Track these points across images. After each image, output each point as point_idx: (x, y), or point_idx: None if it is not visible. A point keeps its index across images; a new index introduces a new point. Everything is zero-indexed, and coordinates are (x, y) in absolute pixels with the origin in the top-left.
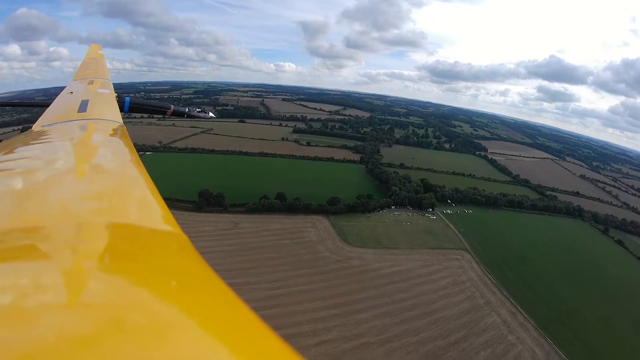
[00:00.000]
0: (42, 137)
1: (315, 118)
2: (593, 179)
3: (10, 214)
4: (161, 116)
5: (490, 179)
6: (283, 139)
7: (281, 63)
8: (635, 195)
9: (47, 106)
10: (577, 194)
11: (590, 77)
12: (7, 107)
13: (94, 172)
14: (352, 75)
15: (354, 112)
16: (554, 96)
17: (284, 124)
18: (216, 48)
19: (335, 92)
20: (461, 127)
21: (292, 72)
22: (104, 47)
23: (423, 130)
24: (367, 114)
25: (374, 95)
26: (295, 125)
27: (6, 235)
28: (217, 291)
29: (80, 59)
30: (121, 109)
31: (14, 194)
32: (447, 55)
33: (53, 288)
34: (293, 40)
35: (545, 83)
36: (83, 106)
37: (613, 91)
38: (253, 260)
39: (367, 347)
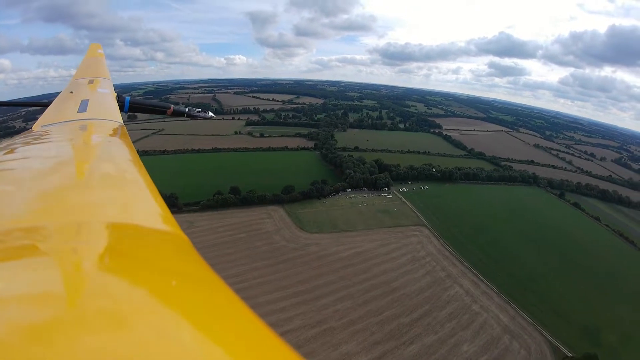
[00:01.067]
0: (42, 137)
1: (268, 109)
2: (547, 147)
3: (10, 214)
4: (161, 116)
5: (445, 155)
6: (236, 132)
7: (231, 56)
8: (588, 159)
9: (47, 106)
10: (531, 162)
11: (539, 51)
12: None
13: (93, 172)
14: (304, 64)
15: (308, 99)
16: (505, 71)
17: (236, 117)
18: (163, 46)
19: (288, 82)
20: (415, 106)
21: (243, 65)
22: (47, 55)
23: (377, 112)
24: (320, 101)
25: (327, 81)
26: (248, 118)
27: (6, 235)
28: (218, 291)
29: (24, 70)
30: (121, 108)
31: (14, 194)
32: (398, 37)
33: (53, 288)
34: (242, 32)
35: (496, 59)
36: (83, 106)
37: (562, 63)
38: (210, 258)
39: (330, 332)
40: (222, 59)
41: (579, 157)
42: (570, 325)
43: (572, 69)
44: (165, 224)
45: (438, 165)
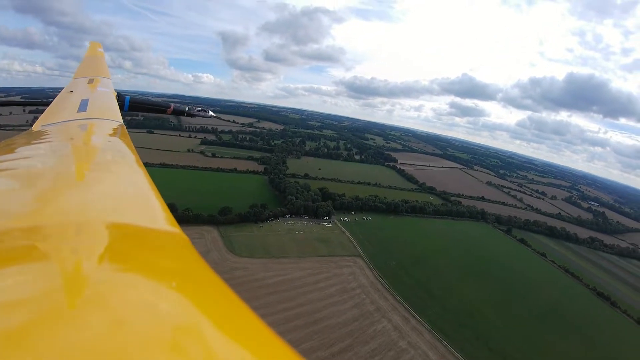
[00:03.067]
0: (42, 137)
1: (226, 130)
2: (499, 185)
3: (10, 214)
4: (161, 115)
5: (396, 187)
6: (189, 150)
7: (199, 74)
8: (539, 198)
9: (47, 105)
10: (482, 198)
11: (499, 94)
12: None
13: (94, 172)
14: (270, 89)
15: (268, 124)
16: (465, 111)
17: (193, 135)
18: (133, 55)
19: (252, 105)
20: (374, 139)
21: (211, 84)
22: (13, 46)
23: (335, 142)
24: (281, 127)
25: (291, 109)
26: (205, 137)
27: (6, 235)
28: (218, 291)
29: None
30: (121, 108)
31: (14, 194)
32: (365, 71)
33: (53, 288)
34: (213, 52)
35: (458, 99)
36: (83, 105)
37: (520, 106)
38: None
39: None
40: (190, 76)
41: (530, 195)
42: None
43: (529, 112)
44: (166, 223)
45: (385, 197)
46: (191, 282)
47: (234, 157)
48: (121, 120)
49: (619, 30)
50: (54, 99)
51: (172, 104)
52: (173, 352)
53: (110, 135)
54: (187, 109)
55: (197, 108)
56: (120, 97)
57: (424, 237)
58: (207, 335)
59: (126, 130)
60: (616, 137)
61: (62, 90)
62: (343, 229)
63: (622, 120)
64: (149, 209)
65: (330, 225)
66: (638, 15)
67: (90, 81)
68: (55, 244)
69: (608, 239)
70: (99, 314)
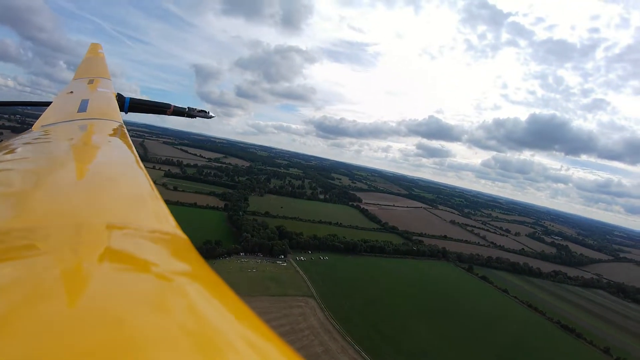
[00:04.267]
0: (42, 137)
1: (192, 164)
2: (463, 223)
3: (10, 214)
4: (162, 115)
5: (358, 227)
6: None
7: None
8: (503, 235)
9: (47, 106)
10: (444, 237)
11: (465, 135)
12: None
13: (93, 172)
14: (240, 125)
15: (235, 160)
16: (432, 152)
17: (157, 167)
18: None
19: (221, 140)
20: (340, 179)
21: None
22: None
23: (300, 181)
24: (247, 164)
25: (259, 146)
26: (169, 170)
27: (6, 235)
28: (218, 291)
29: None
30: (121, 108)
31: (14, 194)
32: (334, 112)
33: (53, 288)
34: (185, 83)
35: (424, 140)
36: (83, 106)
37: (485, 147)
38: None
39: None
40: None
41: (494, 232)
42: None
43: (494, 153)
44: (166, 224)
45: (344, 237)
46: (191, 283)
47: (196, 192)
48: (121, 121)
49: (578, 73)
50: (48, 102)
51: (172, 105)
52: (174, 353)
53: (110, 135)
54: (187, 109)
55: (197, 109)
56: (121, 97)
57: (381, 277)
58: (207, 336)
59: (126, 130)
60: (578, 174)
61: (62, 91)
62: (298, 268)
63: (584, 157)
64: (149, 210)
65: (285, 264)
66: (597, 58)
67: (90, 82)
68: (55, 244)
69: (572, 272)
70: (99, 315)
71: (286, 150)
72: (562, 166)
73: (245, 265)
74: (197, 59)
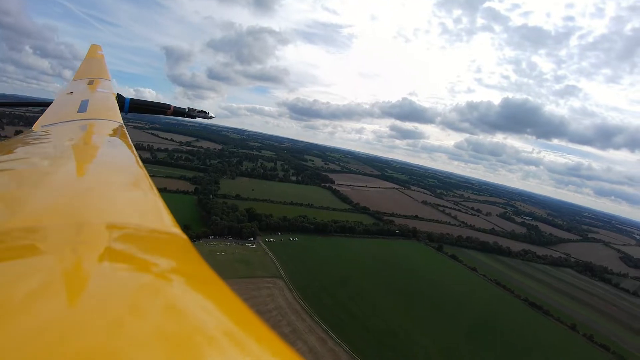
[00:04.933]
0: (42, 137)
1: (162, 148)
2: (435, 203)
3: (10, 214)
4: (162, 115)
5: (329, 208)
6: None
7: (141, 89)
8: (474, 215)
9: (47, 106)
10: (415, 217)
11: (438, 118)
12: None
13: (93, 173)
14: (213, 108)
15: (207, 144)
16: (405, 134)
17: None
18: (74, 63)
19: (193, 124)
20: (312, 161)
21: (152, 99)
22: None
23: (272, 163)
24: (219, 147)
25: (232, 129)
26: (139, 155)
27: (6, 235)
28: (218, 291)
29: None
30: (121, 109)
31: (14, 194)
32: (308, 94)
33: (53, 289)
34: (156, 66)
35: (398, 122)
36: (83, 106)
37: (458, 129)
38: None
39: None
40: (132, 90)
41: (466, 212)
42: None
43: (467, 135)
44: (166, 224)
45: (314, 218)
46: (191, 282)
47: (167, 176)
48: (121, 121)
49: (552, 59)
50: (48, 103)
51: (172, 105)
52: (174, 352)
53: (110, 135)
54: (187, 109)
55: (197, 110)
56: (121, 98)
57: (351, 257)
58: (207, 335)
59: (126, 130)
60: (549, 157)
61: (62, 91)
62: (267, 250)
63: (555, 141)
64: (149, 210)
65: (254, 246)
66: (570, 46)
67: (90, 82)
68: (55, 244)
69: (541, 251)
70: (99, 315)
71: (259, 133)
72: (533, 149)
73: (214, 248)
74: (168, 41)
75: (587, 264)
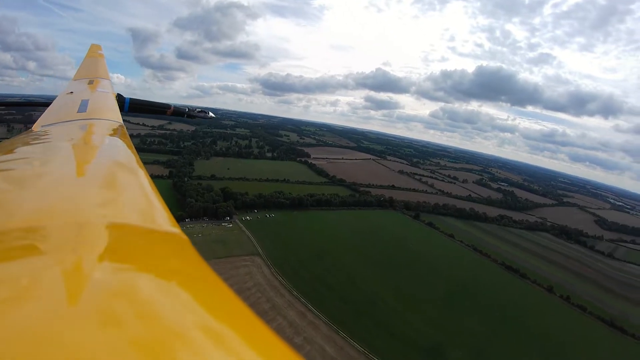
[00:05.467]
0: (42, 137)
1: (135, 134)
2: (411, 172)
3: (11, 214)
4: (161, 115)
5: (305, 182)
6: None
7: (110, 74)
8: (451, 182)
9: (47, 106)
10: (392, 187)
11: (413, 87)
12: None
13: (94, 172)
14: (184, 88)
15: (180, 126)
16: (380, 104)
17: None
18: (37, 55)
19: None
20: (288, 136)
21: (121, 84)
22: None
23: (247, 141)
24: (192, 128)
25: (205, 108)
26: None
27: (6, 235)
28: (218, 291)
29: None
30: (121, 108)
31: (14, 194)
32: (280, 68)
33: (53, 288)
34: (122, 50)
35: (372, 93)
36: (83, 106)
37: (433, 98)
38: None
39: None
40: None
41: (442, 180)
42: (411, 348)
43: (442, 104)
44: (166, 224)
45: (290, 193)
46: (191, 282)
47: None
48: (121, 121)
49: (525, 28)
50: (48, 103)
51: (172, 105)
52: (173, 352)
53: (110, 135)
54: (187, 110)
55: (197, 109)
56: (121, 98)
57: (327, 229)
58: (207, 335)
59: (126, 130)
60: (524, 124)
61: (62, 91)
62: (243, 228)
63: (529, 108)
64: (149, 209)
65: (231, 225)
66: (544, 14)
67: (90, 82)
68: (55, 244)
69: (517, 216)
70: (99, 314)
71: (233, 111)
72: (508, 116)
73: (190, 231)
74: (133, 23)
75: (563, 227)
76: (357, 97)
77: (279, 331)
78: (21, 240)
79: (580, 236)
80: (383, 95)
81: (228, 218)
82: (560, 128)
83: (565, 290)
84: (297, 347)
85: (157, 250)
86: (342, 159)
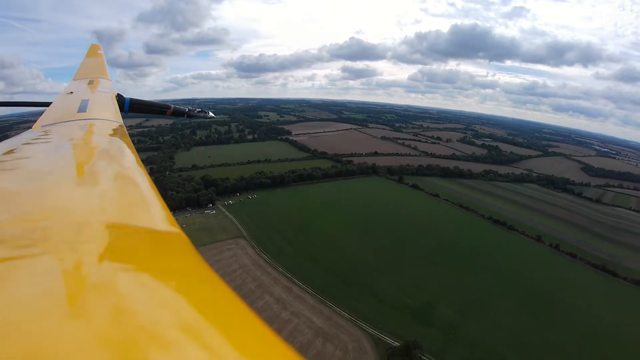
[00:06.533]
0: (42, 137)
1: None
2: (394, 137)
3: (11, 214)
4: (162, 116)
5: (287, 159)
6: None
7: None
8: (435, 143)
9: (47, 106)
10: (375, 154)
11: (388, 53)
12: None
13: (93, 172)
14: (158, 83)
15: (157, 121)
16: (358, 73)
17: None
18: (3, 73)
19: None
20: (267, 116)
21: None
22: None
23: (226, 127)
24: (170, 121)
25: (181, 100)
26: None
27: (6, 235)
28: (218, 291)
29: None
30: (121, 109)
31: (14, 194)
32: (252, 49)
33: (53, 288)
34: None
35: (349, 63)
36: (83, 106)
37: (410, 61)
38: None
39: None
40: None
41: (426, 142)
42: (400, 311)
43: (420, 66)
44: (165, 224)
45: (270, 172)
46: (191, 282)
47: None
48: (121, 121)
49: None
50: (48, 103)
51: (173, 105)
52: (173, 352)
53: (110, 135)
54: (187, 110)
55: (197, 109)
56: (121, 98)
57: (310, 203)
58: (207, 335)
59: (126, 130)
60: (504, 78)
61: (62, 91)
62: (227, 213)
63: (508, 62)
64: (149, 209)
65: (214, 212)
66: None
67: (90, 82)
68: (55, 244)
69: (503, 169)
70: (99, 314)
71: (210, 98)
72: (488, 73)
73: None
74: (95, 24)
75: (550, 177)
76: (334, 68)
77: (266, 308)
78: (21, 240)
79: (567, 184)
80: (359, 64)
81: (211, 205)
82: (540, 80)
83: (555, 239)
84: (284, 322)
85: (157, 250)
86: (324, 132)
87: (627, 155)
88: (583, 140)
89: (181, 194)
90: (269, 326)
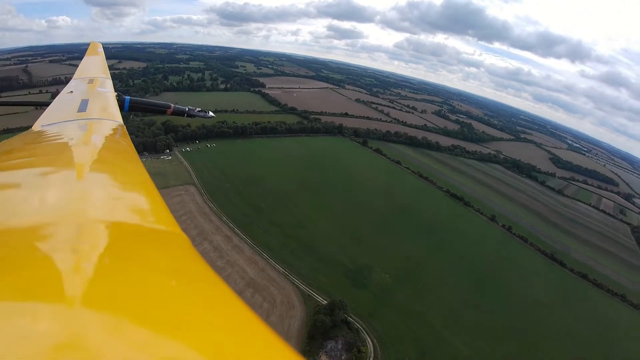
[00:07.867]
0: (42, 137)
1: None
2: (368, 101)
3: (11, 214)
4: (161, 115)
5: (255, 112)
6: (37, 107)
7: (54, 17)
8: (408, 112)
9: (47, 106)
10: (345, 115)
11: (377, 16)
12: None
13: (93, 172)
14: (136, 25)
15: (130, 64)
16: (343, 34)
17: (44, 90)
18: None
19: (116, 45)
20: (244, 67)
21: (68, 27)
22: None
23: (200, 74)
24: (144, 65)
25: (159, 44)
26: (57, 89)
27: (6, 235)
28: (217, 291)
29: None
30: (121, 108)
31: (14, 194)
32: None
33: (53, 288)
34: None
35: (335, 22)
36: (83, 106)
37: (398, 29)
38: None
39: None
40: (43, 22)
41: (400, 110)
42: (335, 270)
43: (407, 35)
44: (165, 223)
45: (234, 122)
46: (191, 282)
47: None
48: (121, 121)
49: None
50: (48, 103)
51: (172, 105)
52: (173, 352)
53: (110, 135)
54: (187, 109)
55: (197, 109)
56: (120, 97)
57: (268, 157)
58: (207, 335)
59: (126, 130)
60: (490, 59)
61: (62, 91)
62: (182, 159)
63: (496, 45)
64: (149, 209)
65: (170, 157)
66: None
67: (90, 81)
68: (55, 243)
69: (471, 147)
70: (99, 314)
71: (189, 44)
72: (475, 51)
73: None
74: None
75: (516, 161)
76: (320, 26)
77: (203, 255)
78: (21, 240)
79: (532, 171)
80: (347, 24)
81: (168, 151)
82: (526, 67)
83: (509, 221)
84: (217, 270)
85: (157, 250)
86: (299, 88)
87: (597, 154)
88: (557, 132)
89: (139, 139)
90: (268, 326)
